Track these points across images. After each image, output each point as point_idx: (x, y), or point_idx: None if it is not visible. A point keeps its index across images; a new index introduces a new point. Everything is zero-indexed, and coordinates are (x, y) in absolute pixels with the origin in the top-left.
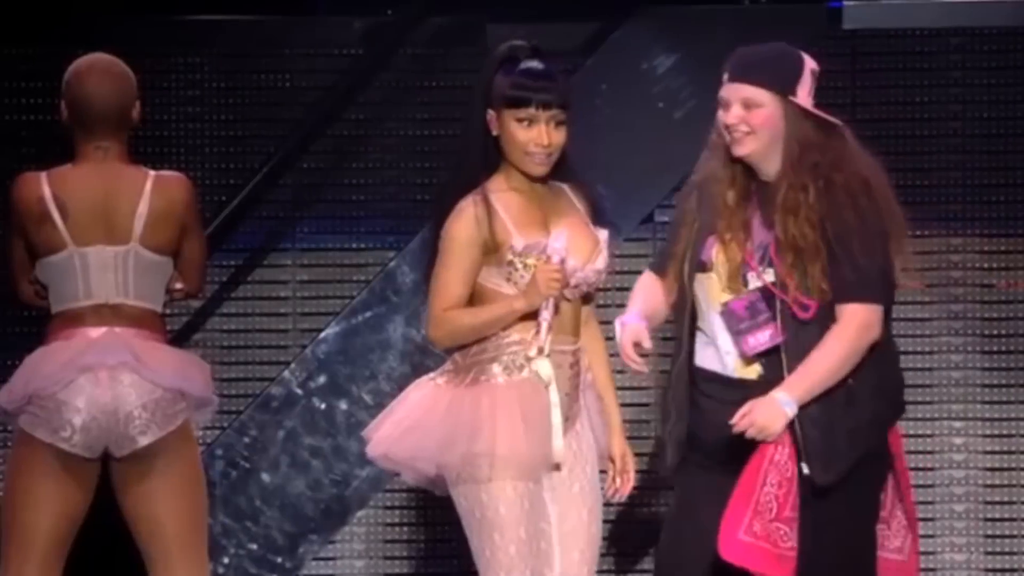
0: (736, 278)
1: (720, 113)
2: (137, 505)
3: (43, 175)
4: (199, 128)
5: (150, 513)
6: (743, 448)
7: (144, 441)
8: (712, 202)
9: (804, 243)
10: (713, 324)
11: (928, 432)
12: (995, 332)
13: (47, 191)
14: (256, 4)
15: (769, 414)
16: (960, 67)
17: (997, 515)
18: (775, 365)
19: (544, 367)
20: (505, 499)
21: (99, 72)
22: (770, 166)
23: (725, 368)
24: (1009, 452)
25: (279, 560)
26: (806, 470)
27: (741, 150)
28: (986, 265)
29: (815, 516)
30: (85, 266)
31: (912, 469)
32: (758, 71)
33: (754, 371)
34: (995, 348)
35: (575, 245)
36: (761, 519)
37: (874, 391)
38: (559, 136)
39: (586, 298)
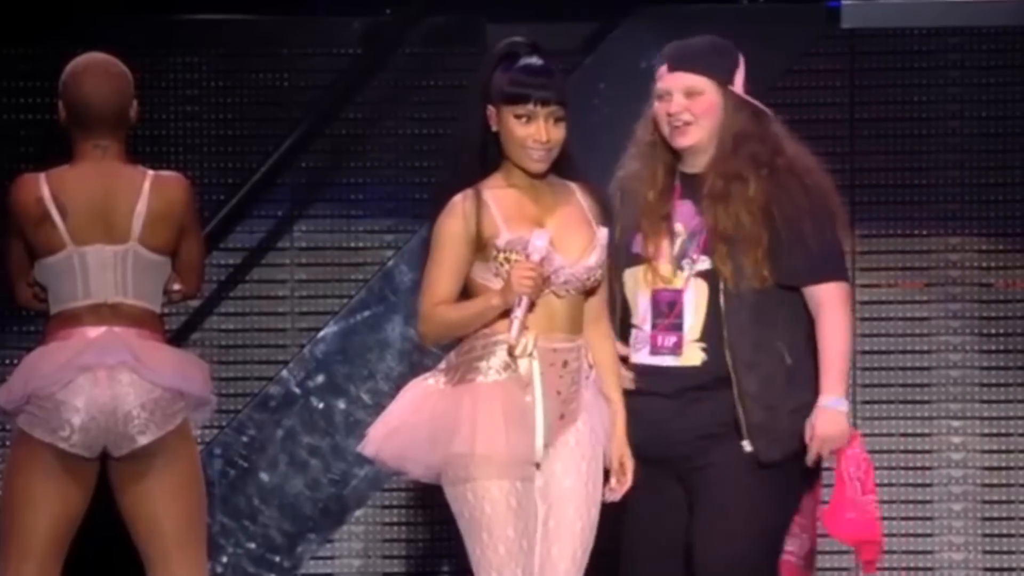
0: (663, 269)
1: (657, 105)
2: (135, 504)
3: (41, 176)
4: (197, 127)
5: (148, 512)
6: (689, 445)
7: (143, 441)
8: (634, 199)
9: (738, 232)
10: (645, 314)
11: (926, 431)
12: (993, 331)
13: (46, 192)
14: (255, 4)
15: (829, 422)
16: (958, 66)
17: (995, 514)
18: (717, 349)
19: (524, 365)
20: (491, 498)
21: (96, 72)
22: (704, 157)
23: (663, 357)
24: (1007, 451)
25: (277, 559)
26: (748, 447)
27: (684, 141)
28: (984, 264)
29: (755, 492)
30: (84, 266)
31: (910, 468)
32: (699, 60)
33: (698, 357)
34: (993, 347)
35: (567, 242)
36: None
37: (815, 372)
38: (558, 132)
39: (590, 294)
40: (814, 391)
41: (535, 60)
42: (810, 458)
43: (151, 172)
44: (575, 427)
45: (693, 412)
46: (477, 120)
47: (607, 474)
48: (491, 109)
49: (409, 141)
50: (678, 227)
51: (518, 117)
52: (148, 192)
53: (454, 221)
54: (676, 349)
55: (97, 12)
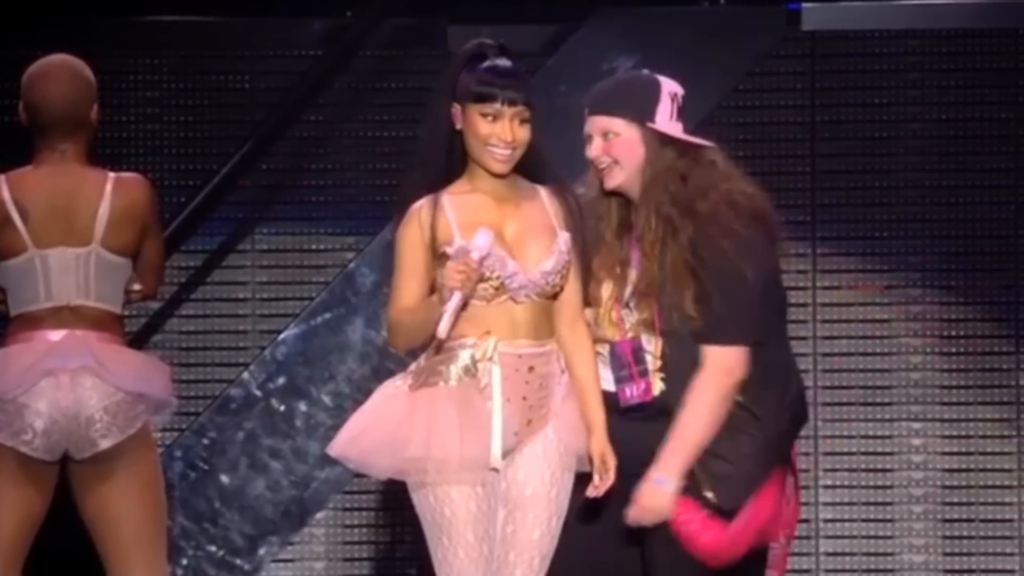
0: (614, 316)
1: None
2: (96, 507)
3: (2, 178)
4: (158, 129)
5: (109, 515)
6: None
7: (105, 444)
8: (592, 237)
9: (664, 274)
10: (605, 357)
11: (887, 433)
12: (954, 334)
13: (6, 194)
14: (215, 5)
15: (651, 497)
16: (918, 69)
17: (955, 516)
18: (677, 378)
19: (484, 370)
20: (450, 502)
21: (56, 74)
22: (636, 196)
23: (625, 392)
24: (968, 453)
25: (238, 562)
26: (711, 496)
27: (610, 183)
28: (945, 266)
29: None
30: (46, 268)
31: (871, 470)
32: (612, 101)
33: (657, 387)
34: (954, 350)
35: (526, 247)
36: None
37: (777, 409)
38: (523, 133)
39: (558, 297)
40: (777, 428)
41: (503, 61)
42: (630, 521)
43: (112, 174)
44: (543, 434)
45: (648, 436)
46: (443, 119)
47: (585, 476)
48: (457, 108)
49: (370, 143)
50: (632, 272)
51: (484, 116)
52: (110, 194)
53: (410, 230)
54: (646, 395)
55: (58, 13)
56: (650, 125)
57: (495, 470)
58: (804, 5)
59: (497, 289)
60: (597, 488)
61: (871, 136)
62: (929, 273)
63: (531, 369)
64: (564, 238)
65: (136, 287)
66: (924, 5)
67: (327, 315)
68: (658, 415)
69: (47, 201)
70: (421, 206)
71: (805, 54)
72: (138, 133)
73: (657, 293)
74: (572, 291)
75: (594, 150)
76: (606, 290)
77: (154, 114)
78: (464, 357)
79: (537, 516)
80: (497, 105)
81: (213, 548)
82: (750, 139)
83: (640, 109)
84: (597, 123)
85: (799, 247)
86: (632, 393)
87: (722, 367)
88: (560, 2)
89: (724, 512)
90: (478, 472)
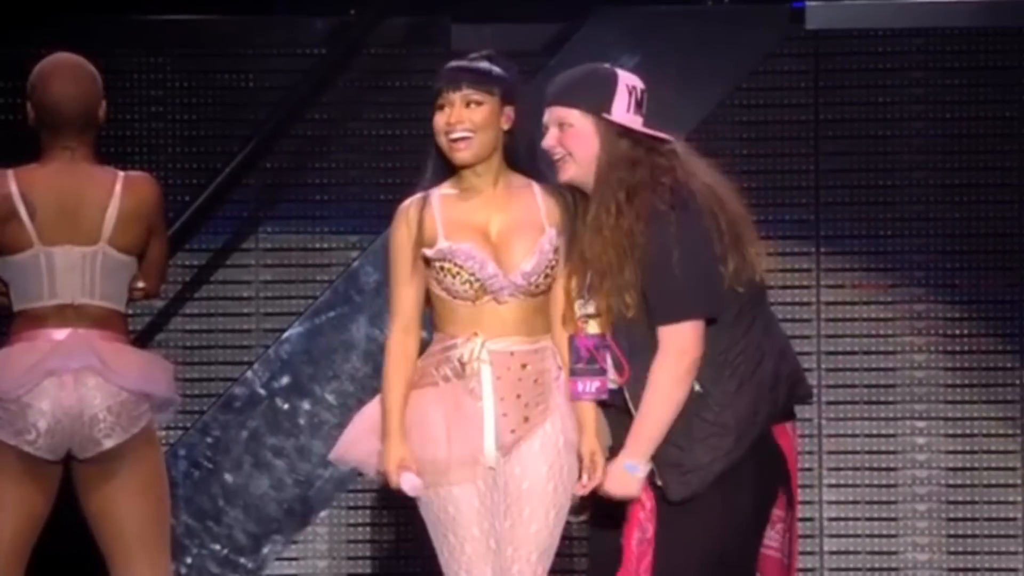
0: (576, 309)
1: None
2: (100, 506)
3: (10, 172)
4: (162, 128)
5: (112, 514)
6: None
7: (109, 444)
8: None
9: (609, 263)
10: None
11: (891, 432)
12: (958, 333)
13: (14, 189)
14: (219, 4)
15: (620, 483)
16: (922, 67)
17: (960, 515)
18: (633, 367)
19: (473, 370)
20: (453, 500)
21: (65, 73)
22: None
23: (587, 385)
24: (972, 452)
25: (242, 560)
26: (660, 484)
27: (563, 175)
28: (949, 265)
29: (675, 526)
30: (51, 266)
31: (875, 469)
32: (568, 92)
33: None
34: (958, 349)
35: (510, 248)
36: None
37: (735, 394)
38: (475, 115)
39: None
40: (734, 416)
41: (464, 61)
42: (583, 491)
43: (121, 173)
44: (542, 430)
45: (622, 429)
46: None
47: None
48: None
49: (374, 142)
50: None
51: (439, 109)
52: (120, 193)
53: (399, 230)
54: (599, 393)
55: (62, 12)
56: (605, 116)
57: (491, 468)
58: (808, 4)
59: (478, 290)
60: (584, 487)
61: (875, 135)
62: (933, 272)
63: (524, 366)
64: (549, 236)
65: (139, 285)
66: (928, 4)
67: (331, 313)
68: (625, 407)
69: (55, 199)
70: (410, 203)
71: (809, 53)
72: (141, 132)
73: (604, 285)
74: (558, 288)
75: (549, 140)
76: (573, 282)
77: (157, 113)
78: (452, 359)
79: (534, 511)
80: (446, 94)
81: (217, 546)
82: (754, 138)
83: (596, 101)
84: (554, 113)
85: (802, 246)
86: (584, 388)
87: (673, 346)
88: (563, 1)
89: (674, 502)
90: (469, 470)
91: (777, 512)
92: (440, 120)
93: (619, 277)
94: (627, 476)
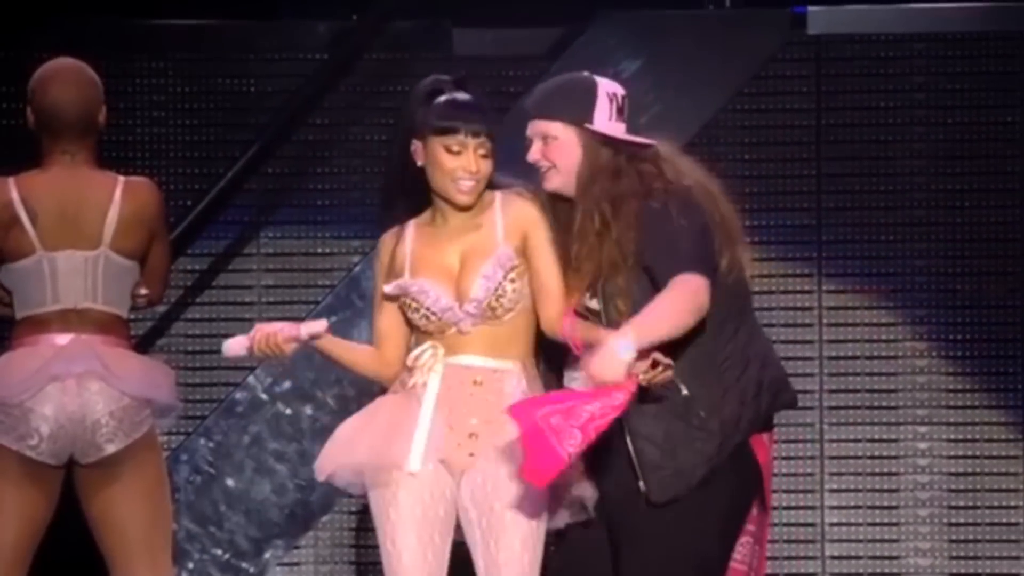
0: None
1: None
2: (101, 511)
3: (11, 180)
4: (164, 132)
5: (114, 519)
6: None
7: (111, 449)
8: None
9: (598, 271)
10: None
11: (893, 437)
12: (960, 338)
13: (15, 196)
14: (221, 8)
15: (603, 365)
16: (924, 72)
17: (961, 520)
18: None
19: (421, 378)
20: (396, 505)
21: (65, 78)
22: None
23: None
24: (974, 457)
25: (244, 565)
26: (643, 487)
27: (548, 186)
28: (950, 270)
29: (650, 530)
30: (54, 271)
31: (877, 474)
32: (548, 104)
33: None
34: (959, 353)
35: (469, 277)
36: (562, 416)
37: (721, 401)
38: (486, 166)
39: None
40: (720, 422)
41: (462, 94)
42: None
43: (122, 178)
44: (499, 439)
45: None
46: (402, 156)
47: None
48: (417, 144)
49: (375, 147)
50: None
51: (448, 149)
52: (120, 198)
53: (377, 259)
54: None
55: (63, 15)
56: (588, 126)
57: (411, 474)
58: (809, 9)
59: (438, 323)
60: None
61: (876, 140)
62: (935, 277)
63: (477, 382)
64: (500, 257)
65: (142, 292)
66: (930, 9)
67: (333, 318)
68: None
69: (56, 204)
70: (389, 235)
71: (810, 58)
72: (143, 137)
73: (593, 290)
74: (546, 290)
75: (534, 153)
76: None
77: (159, 117)
78: (417, 370)
79: (505, 505)
80: (461, 137)
81: (219, 551)
82: (755, 143)
83: (578, 111)
84: (537, 127)
85: (804, 251)
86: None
87: (686, 283)
88: (565, 5)
89: (655, 504)
90: (386, 474)
91: (748, 527)
92: (451, 164)
93: (610, 284)
94: (614, 356)
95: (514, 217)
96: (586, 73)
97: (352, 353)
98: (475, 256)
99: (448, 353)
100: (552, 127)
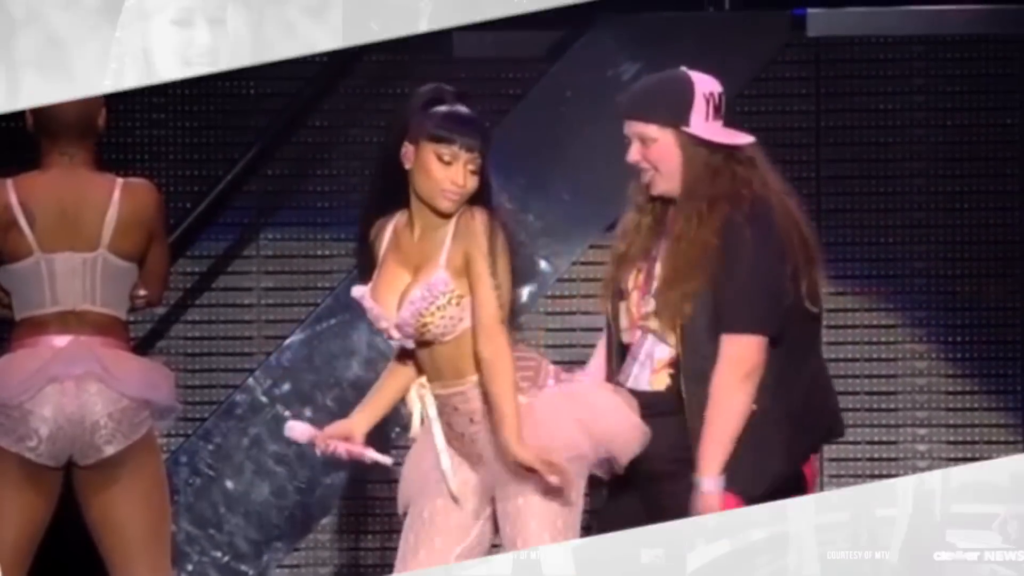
0: (635, 307)
1: None
2: (100, 513)
3: (8, 182)
4: (163, 134)
5: (113, 520)
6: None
7: (110, 451)
8: (627, 228)
9: (678, 271)
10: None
11: (892, 439)
12: (959, 339)
13: (13, 198)
14: None
15: (705, 507)
16: (924, 74)
17: None
18: (689, 372)
19: (420, 411)
20: (431, 505)
21: None
22: None
23: (639, 383)
24: (973, 459)
25: (243, 567)
26: (737, 490)
27: (654, 191)
28: (950, 272)
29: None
30: (52, 273)
31: (876, 476)
32: (645, 106)
33: (662, 382)
34: (959, 355)
35: (406, 299)
36: None
37: (782, 420)
38: (473, 182)
39: (476, 321)
40: (780, 441)
41: (462, 108)
42: None
43: (120, 179)
44: (485, 461)
45: (662, 432)
46: (391, 155)
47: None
48: (408, 147)
49: (375, 148)
50: (658, 267)
51: (440, 157)
52: (118, 199)
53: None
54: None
55: None
56: (684, 129)
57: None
58: (809, 11)
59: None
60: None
61: (876, 142)
62: (934, 279)
63: (455, 409)
64: (430, 282)
65: (141, 293)
66: (929, 11)
67: (332, 321)
68: (669, 411)
69: (55, 205)
70: (378, 224)
71: (810, 60)
72: (143, 139)
73: (674, 287)
74: (477, 320)
75: (633, 154)
76: (632, 282)
77: (159, 119)
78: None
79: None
80: (455, 148)
81: (218, 554)
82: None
83: (674, 114)
84: (633, 127)
85: None
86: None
87: (731, 355)
88: (565, 8)
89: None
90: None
91: None
92: (441, 174)
93: (685, 285)
94: (710, 499)
95: (460, 239)
96: (683, 70)
97: (392, 393)
98: (419, 274)
99: (429, 381)
100: (648, 129)
